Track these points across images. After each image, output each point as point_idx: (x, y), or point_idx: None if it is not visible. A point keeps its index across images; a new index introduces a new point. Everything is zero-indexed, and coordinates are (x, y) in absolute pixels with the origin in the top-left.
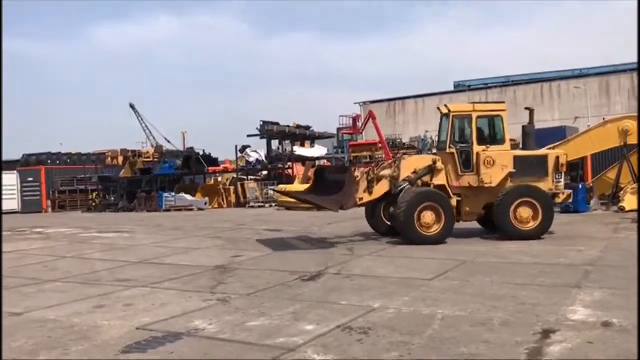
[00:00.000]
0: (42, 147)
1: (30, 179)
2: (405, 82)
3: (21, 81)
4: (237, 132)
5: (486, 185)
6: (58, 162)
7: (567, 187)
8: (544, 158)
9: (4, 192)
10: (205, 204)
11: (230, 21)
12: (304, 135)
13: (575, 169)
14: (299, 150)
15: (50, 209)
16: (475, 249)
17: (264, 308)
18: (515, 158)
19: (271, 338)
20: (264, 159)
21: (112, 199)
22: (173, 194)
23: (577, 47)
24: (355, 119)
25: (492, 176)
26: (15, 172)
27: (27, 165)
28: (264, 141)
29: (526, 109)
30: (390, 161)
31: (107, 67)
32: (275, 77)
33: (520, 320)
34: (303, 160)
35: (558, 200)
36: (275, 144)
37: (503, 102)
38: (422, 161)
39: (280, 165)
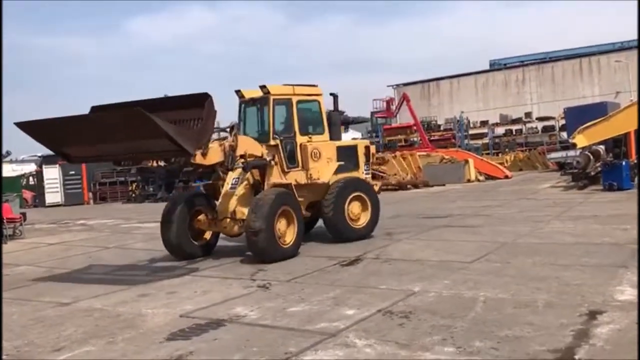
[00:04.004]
0: None
1: (72, 172)
2: (439, 63)
3: (62, 76)
4: None
5: (319, 182)
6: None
7: (610, 164)
8: (355, 148)
9: (47, 185)
10: None
11: (264, 11)
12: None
13: (618, 145)
14: None
15: (91, 201)
16: (515, 229)
17: (304, 294)
18: (338, 149)
19: (312, 323)
20: None
21: (151, 189)
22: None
23: (617, 19)
24: (389, 102)
25: (320, 171)
26: (57, 165)
27: None
28: None
29: (330, 94)
30: (235, 132)
31: (144, 60)
32: (309, 64)
33: (564, 301)
34: None
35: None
36: None
37: (316, 85)
38: (253, 147)
39: None
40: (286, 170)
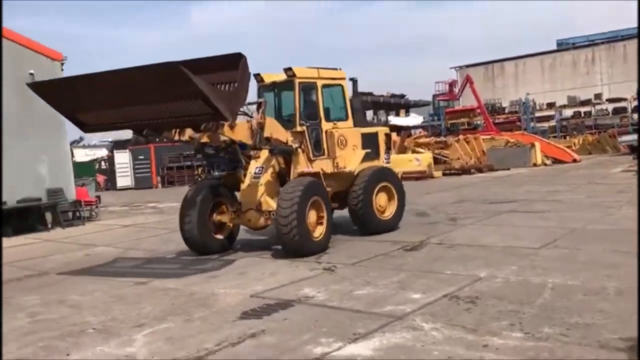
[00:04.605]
0: None
1: (141, 157)
2: (503, 44)
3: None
4: None
5: (346, 171)
6: (165, 140)
7: None
8: (376, 136)
9: (118, 169)
10: None
11: None
12: (399, 104)
13: None
14: (393, 120)
15: (160, 185)
16: (585, 215)
17: (369, 277)
18: (363, 136)
19: (378, 306)
20: None
21: (216, 173)
22: None
23: None
24: (451, 85)
25: (346, 159)
26: (128, 150)
27: (137, 144)
28: None
29: (350, 79)
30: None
31: (201, 47)
32: (367, 47)
33: (636, 289)
34: (398, 130)
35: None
36: (369, 114)
37: (340, 69)
38: (279, 131)
39: None
40: (312, 158)
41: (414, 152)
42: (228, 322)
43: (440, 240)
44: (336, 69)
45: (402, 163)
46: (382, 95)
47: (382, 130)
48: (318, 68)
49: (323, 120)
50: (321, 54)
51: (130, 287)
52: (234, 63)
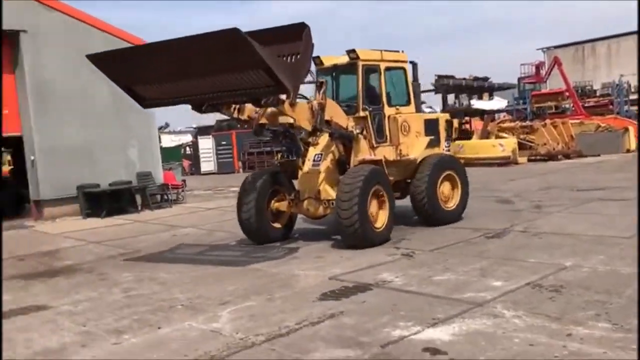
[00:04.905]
0: None
1: (224, 143)
2: (595, 22)
3: None
4: None
5: (410, 158)
6: (246, 126)
7: None
8: (437, 122)
9: (202, 154)
10: None
11: None
12: (482, 87)
13: None
14: (476, 104)
15: (241, 170)
16: None
17: (449, 264)
18: (425, 122)
19: (458, 292)
20: None
21: (295, 158)
22: None
23: None
24: (538, 67)
25: (410, 146)
26: (211, 136)
27: (219, 130)
28: (439, 96)
29: (410, 62)
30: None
31: None
32: (449, 29)
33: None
34: (481, 114)
35: None
36: (451, 98)
37: (403, 51)
38: (340, 115)
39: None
40: (374, 145)
41: (497, 137)
42: (308, 302)
43: (525, 227)
44: (398, 52)
45: (485, 148)
46: (464, 79)
47: (442, 117)
48: (381, 50)
49: (386, 105)
50: (403, 36)
51: (215, 267)
52: (297, 34)
